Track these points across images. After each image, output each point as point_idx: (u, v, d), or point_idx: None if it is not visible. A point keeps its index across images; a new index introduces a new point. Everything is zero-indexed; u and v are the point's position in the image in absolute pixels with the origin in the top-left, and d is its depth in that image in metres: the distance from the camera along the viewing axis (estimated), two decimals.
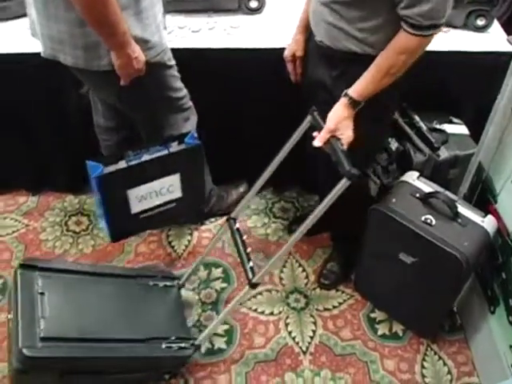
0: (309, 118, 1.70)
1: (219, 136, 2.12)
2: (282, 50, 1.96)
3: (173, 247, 2.53)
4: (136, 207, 2.01)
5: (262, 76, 2.13)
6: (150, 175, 1.96)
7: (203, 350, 2.14)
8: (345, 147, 1.57)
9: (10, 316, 1.74)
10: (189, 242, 2.56)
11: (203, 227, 2.62)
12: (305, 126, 1.72)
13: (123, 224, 2.06)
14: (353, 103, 1.61)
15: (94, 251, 2.52)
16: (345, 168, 1.47)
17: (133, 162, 1.89)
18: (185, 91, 2.04)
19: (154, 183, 1.98)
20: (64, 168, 2.63)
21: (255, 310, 2.29)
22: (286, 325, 2.24)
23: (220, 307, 2.29)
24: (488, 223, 1.86)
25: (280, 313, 2.28)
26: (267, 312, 2.28)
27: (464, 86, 2.20)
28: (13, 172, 2.69)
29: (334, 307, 2.30)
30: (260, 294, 2.34)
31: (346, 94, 1.61)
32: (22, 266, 1.85)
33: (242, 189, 2.64)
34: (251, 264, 1.83)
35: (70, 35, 1.67)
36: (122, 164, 1.88)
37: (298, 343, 2.18)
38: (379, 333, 2.22)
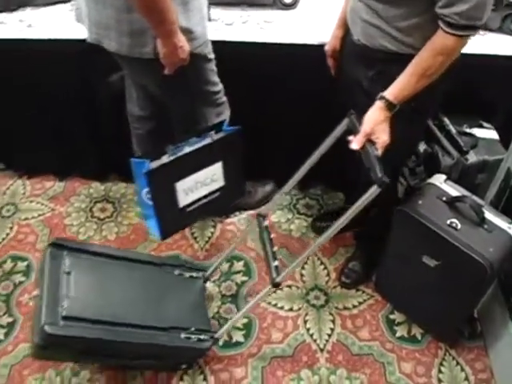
0: (346, 120, 1.68)
1: (247, 131, 2.12)
2: (316, 46, 1.96)
3: (195, 238, 2.55)
4: (183, 200, 2.01)
5: (295, 72, 2.13)
6: (195, 166, 1.96)
7: (221, 342, 2.15)
8: (379, 152, 1.55)
9: (36, 293, 1.77)
10: (212, 234, 2.57)
11: (227, 220, 2.63)
12: (341, 128, 1.70)
13: (172, 219, 2.06)
14: (389, 106, 1.58)
15: (117, 238, 2.55)
16: (377, 175, 1.45)
17: (176, 155, 1.90)
18: (221, 86, 2.05)
19: (198, 174, 1.98)
20: (92, 155, 2.66)
21: (275, 305, 2.29)
22: (305, 322, 2.24)
23: (239, 300, 2.30)
24: None
25: (299, 309, 2.28)
26: (286, 308, 2.29)
27: (496, 90, 2.18)
28: (41, 157, 2.73)
29: (354, 306, 2.29)
30: (280, 289, 2.34)
31: (382, 97, 1.59)
32: (52, 244, 1.89)
33: (268, 188, 2.65)
34: (276, 263, 1.83)
35: (116, 21, 1.69)
36: (166, 158, 1.88)
37: (315, 340, 2.18)
38: (397, 335, 2.21)
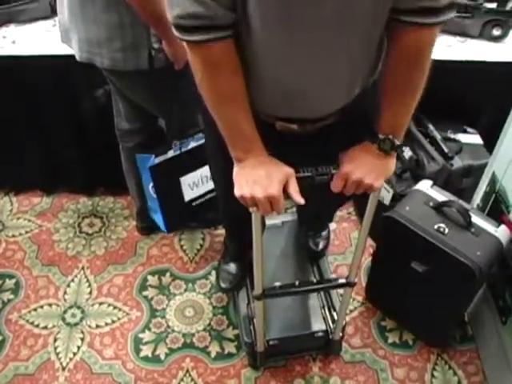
0: None
1: None
2: None
3: (185, 251, 2.54)
4: (188, 195, 2.05)
5: None
6: (199, 161, 2.00)
7: (213, 354, 2.15)
8: None
9: None
10: (201, 246, 2.56)
11: (216, 232, 2.62)
12: None
13: (177, 213, 2.10)
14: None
15: (106, 253, 2.54)
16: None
17: (181, 150, 1.94)
18: None
19: (203, 169, 2.02)
20: (79, 169, 2.65)
21: None
22: None
23: (230, 310, 2.30)
24: (501, 233, 1.85)
25: None
26: None
27: (479, 95, 2.21)
28: (28, 172, 2.71)
29: (346, 314, 2.29)
30: None
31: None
32: None
33: None
34: None
35: (108, 38, 1.69)
36: (171, 153, 1.93)
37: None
38: (389, 341, 2.22)
